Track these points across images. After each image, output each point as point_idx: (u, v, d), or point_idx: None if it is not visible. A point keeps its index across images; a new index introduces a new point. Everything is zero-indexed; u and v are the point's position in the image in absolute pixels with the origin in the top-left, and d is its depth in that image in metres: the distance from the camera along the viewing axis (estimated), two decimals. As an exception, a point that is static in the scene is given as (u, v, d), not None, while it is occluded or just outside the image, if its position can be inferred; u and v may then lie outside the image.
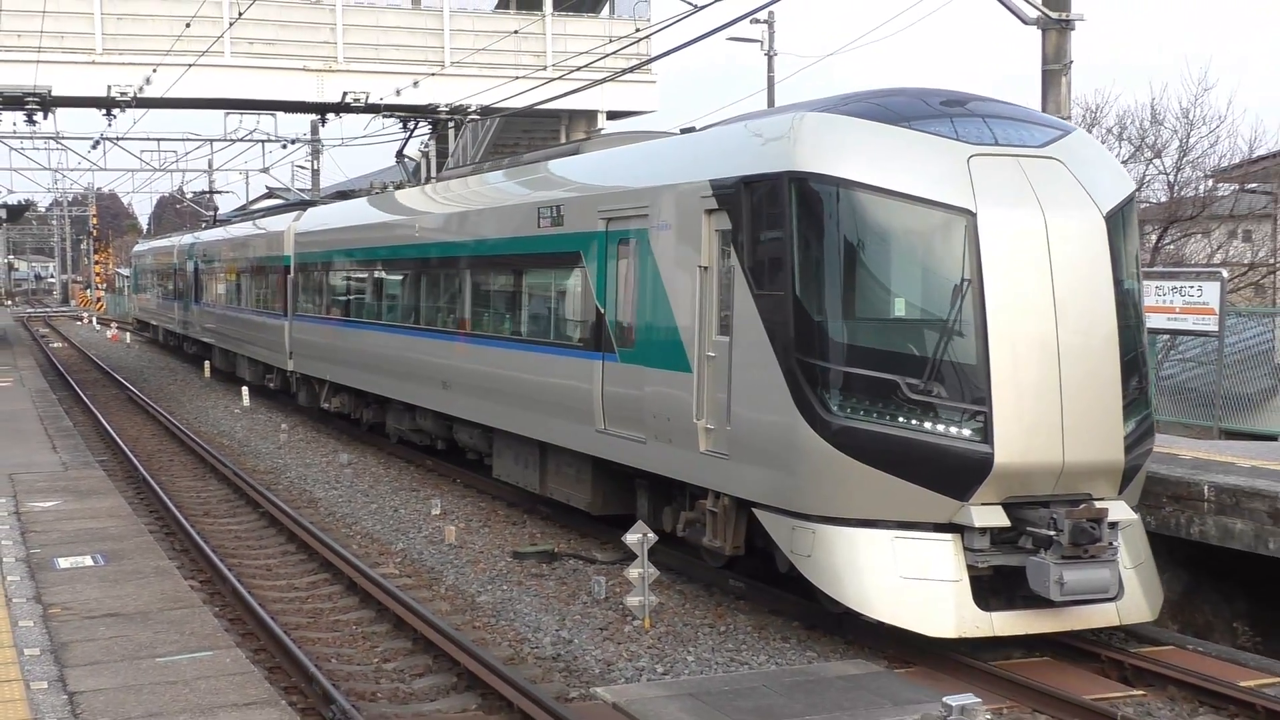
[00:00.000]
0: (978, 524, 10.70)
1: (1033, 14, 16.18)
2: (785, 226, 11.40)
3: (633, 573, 12.48)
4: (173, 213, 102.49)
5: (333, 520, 18.26)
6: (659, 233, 13.43)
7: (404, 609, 12.67)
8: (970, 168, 11.06)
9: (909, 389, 10.77)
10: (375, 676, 11.31)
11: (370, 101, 33.76)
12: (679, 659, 11.55)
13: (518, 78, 33.03)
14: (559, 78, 32.83)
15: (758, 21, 39.60)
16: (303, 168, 54.85)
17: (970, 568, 10.77)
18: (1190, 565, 13.34)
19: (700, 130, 14.48)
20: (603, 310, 14.56)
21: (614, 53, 32.59)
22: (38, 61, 32.80)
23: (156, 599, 10.48)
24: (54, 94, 31.50)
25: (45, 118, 33.17)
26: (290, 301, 28.79)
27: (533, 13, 38.57)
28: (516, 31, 36.48)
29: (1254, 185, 30.75)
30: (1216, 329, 16.69)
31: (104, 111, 35.33)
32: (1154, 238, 29.60)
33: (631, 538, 12.45)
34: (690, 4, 20.07)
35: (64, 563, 11.76)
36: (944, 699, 8.57)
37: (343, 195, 31.67)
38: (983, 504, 10.75)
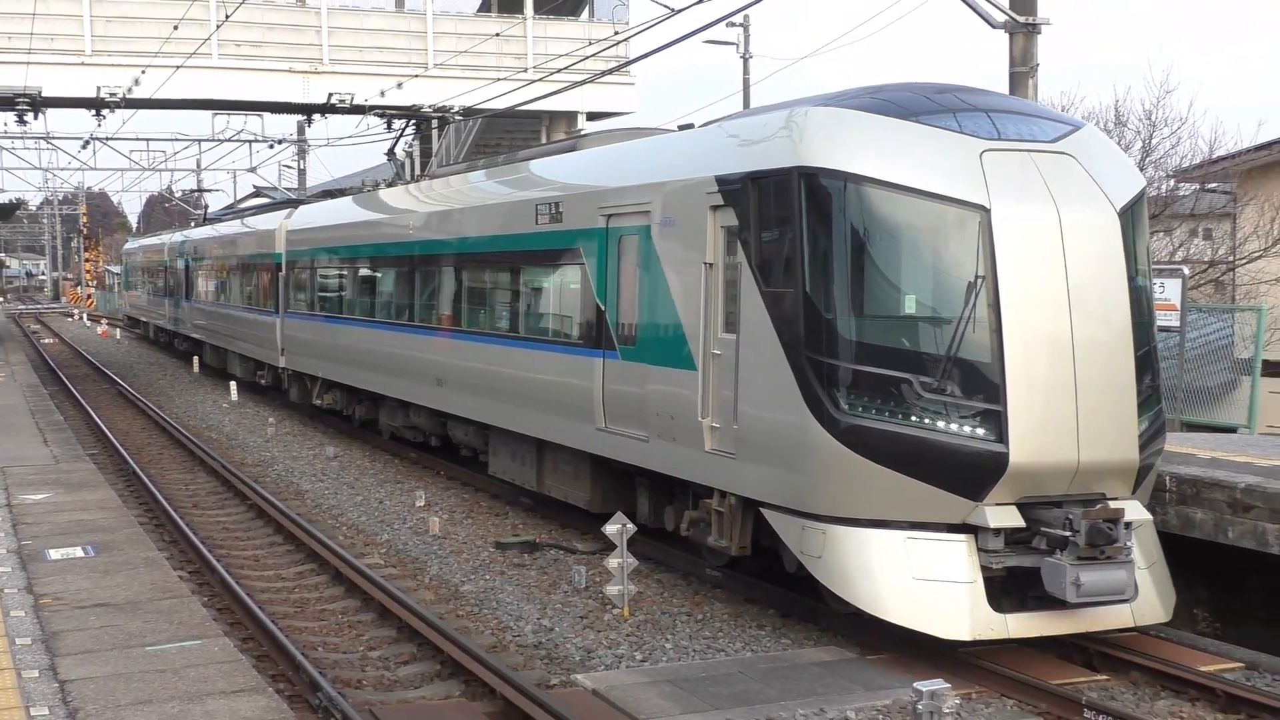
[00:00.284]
0: (993, 525, 10.31)
1: (1000, 18, 16.21)
2: (794, 222, 11.00)
3: (612, 562, 12.49)
4: (162, 211, 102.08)
5: (319, 512, 18.23)
6: (662, 229, 13.03)
7: (389, 598, 12.66)
8: (983, 163, 10.70)
9: (922, 387, 10.41)
10: (361, 664, 11.30)
11: (355, 102, 33.65)
12: (657, 646, 11.56)
13: (500, 79, 32.98)
14: (540, 79, 32.79)
15: (734, 25, 39.58)
16: (289, 167, 54.76)
17: (984, 569, 10.40)
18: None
19: (703, 126, 14.06)
20: (603, 307, 14.13)
21: (593, 55, 32.58)
22: (28, 63, 32.67)
23: (146, 589, 10.45)
24: (44, 95, 31.34)
25: (36, 118, 32.98)
26: (282, 299, 28.43)
27: (514, 16, 38.56)
28: (498, 34, 36.49)
29: (1214, 185, 30.88)
30: (1178, 324, 16.75)
31: (93, 112, 35.17)
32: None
33: (611, 528, 12.46)
34: (668, 8, 20.06)
35: (55, 554, 11.72)
36: (914, 685, 8.59)
37: (330, 194, 31.52)
38: (997, 504, 10.37)
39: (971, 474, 10.34)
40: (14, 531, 12.68)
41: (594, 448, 14.47)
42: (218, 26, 33.33)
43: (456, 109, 28.76)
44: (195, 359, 40.94)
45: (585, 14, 41.42)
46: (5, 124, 36.14)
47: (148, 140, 49.25)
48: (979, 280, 10.44)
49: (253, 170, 52.29)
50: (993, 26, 16.25)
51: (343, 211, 25.93)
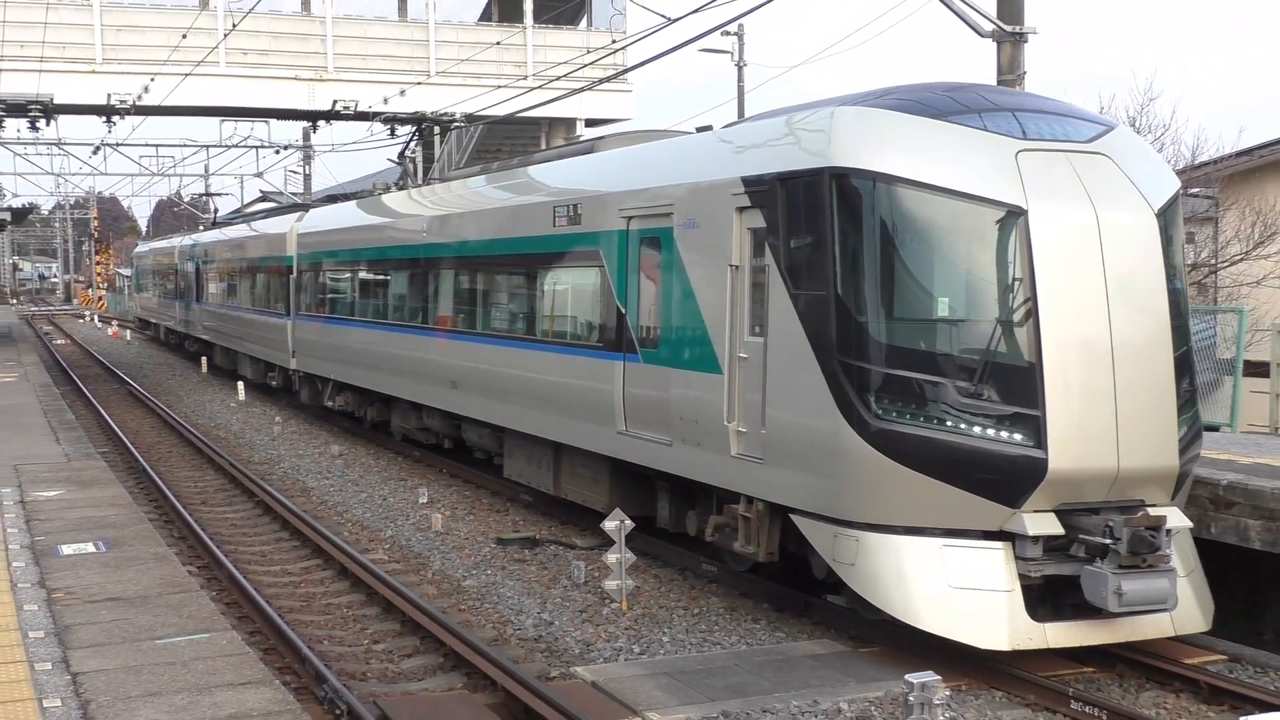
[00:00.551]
0: (1031, 532, 9.85)
1: (989, 27, 16.20)
2: (825, 224, 10.49)
3: (610, 558, 12.47)
4: (170, 215, 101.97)
5: (324, 508, 18.21)
6: (685, 231, 12.51)
7: (393, 593, 12.64)
8: (1019, 163, 10.21)
9: (958, 391, 9.96)
10: (366, 657, 11.29)
11: (359, 109, 33.69)
12: (655, 639, 11.55)
13: (500, 86, 33.03)
14: (539, 86, 32.80)
15: (728, 34, 39.63)
16: (295, 172, 54.82)
17: (1022, 577, 9.93)
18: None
19: (725, 128, 13.50)
20: (624, 310, 13.62)
21: (592, 63, 32.57)
22: (40, 71, 32.71)
23: (156, 584, 10.43)
24: (56, 102, 31.30)
25: (48, 124, 32.94)
26: (293, 301, 28.00)
27: (514, 25, 38.60)
28: (499, 43, 36.52)
29: (1196, 190, 30.90)
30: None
31: (104, 118, 35.16)
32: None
33: (609, 525, 12.44)
34: (664, 17, 20.06)
35: (67, 549, 11.70)
36: (906, 676, 8.58)
37: (335, 199, 31.44)
38: (1034, 511, 9.90)
39: (1009, 480, 9.88)
40: (27, 527, 12.66)
41: (614, 451, 13.94)
42: (225, 35, 33.35)
43: (458, 115, 28.74)
44: (204, 360, 40.89)
45: (584, 23, 41.47)
46: (18, 130, 36.09)
47: (157, 146, 49.31)
48: (1016, 283, 10.04)
49: (259, 175, 52.32)
50: (981, 35, 16.24)
51: (355, 215, 25.35)
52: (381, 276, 22.49)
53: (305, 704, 8.94)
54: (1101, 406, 9.91)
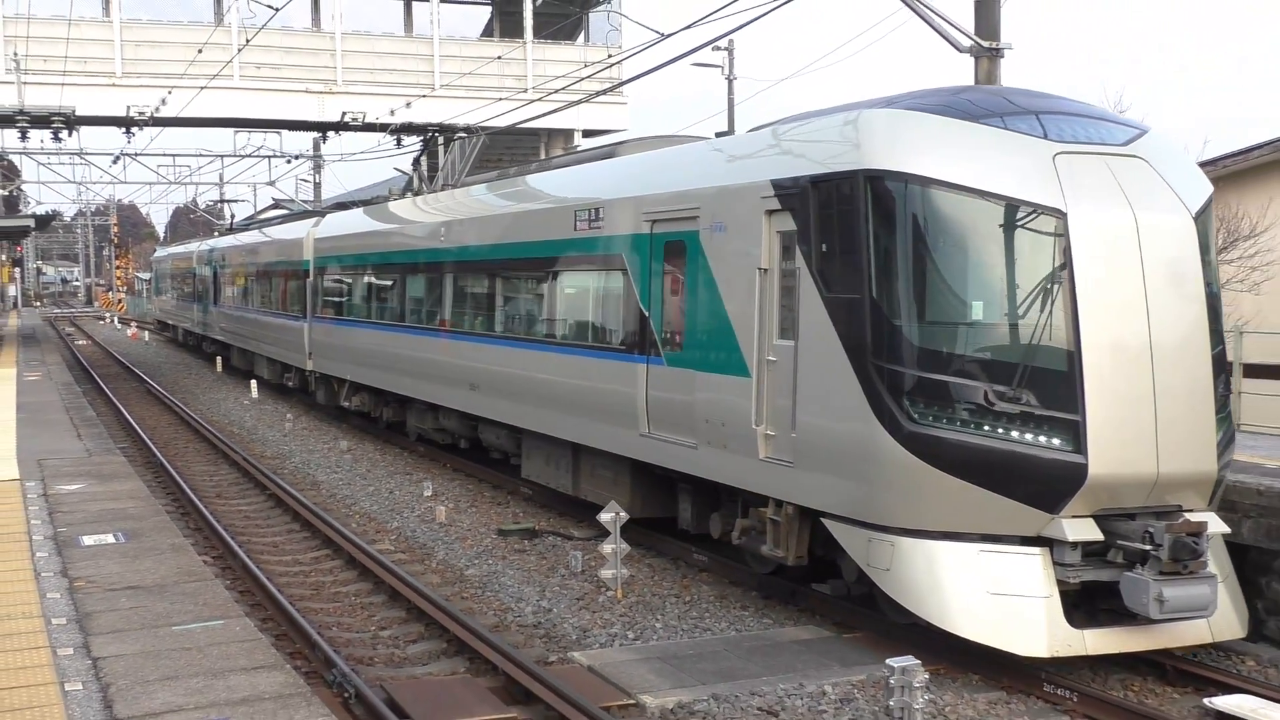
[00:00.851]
0: (1071, 538, 9.40)
1: (966, 43, 16.20)
2: (859, 227, 10.00)
3: (606, 548, 12.48)
4: (187, 222, 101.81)
5: (333, 501, 18.20)
6: (712, 235, 11.99)
7: (399, 581, 12.64)
8: (1056, 165, 9.74)
9: (996, 396, 9.47)
10: (373, 643, 11.28)
11: (367, 120, 33.71)
12: (648, 626, 11.55)
13: (501, 99, 33.00)
14: (538, 99, 32.77)
15: (719, 49, 39.58)
16: (305, 181, 54.76)
17: (1060, 583, 9.49)
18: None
19: (752, 131, 12.80)
20: (647, 313, 13.09)
21: (588, 76, 32.65)
22: (63, 84, 32.71)
23: (172, 573, 10.42)
24: (78, 114, 31.26)
25: (70, 135, 32.89)
26: (310, 304, 27.54)
27: (515, 40, 38.62)
28: (500, 57, 36.52)
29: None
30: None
31: (123, 130, 35.18)
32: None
33: (605, 516, 12.44)
34: (657, 32, 20.07)
35: (88, 540, 11.68)
36: (887, 661, 8.60)
37: (343, 206, 31.37)
38: (1073, 517, 9.46)
39: (1048, 486, 9.43)
40: (50, 519, 12.65)
41: (636, 453, 13.41)
42: (239, 50, 33.35)
43: (461, 126, 28.74)
44: (219, 359, 40.83)
45: (581, 38, 41.48)
46: (42, 141, 36.03)
47: (174, 156, 49.30)
48: (1055, 286, 9.56)
49: (272, 184, 52.21)
50: (959, 51, 16.24)
51: (372, 220, 24.75)
52: (400, 280, 21.78)
53: (315, 687, 8.94)
54: (1141, 410, 9.48)
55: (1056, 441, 9.41)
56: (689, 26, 18.31)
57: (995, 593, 9.44)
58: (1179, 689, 9.78)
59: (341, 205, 32.74)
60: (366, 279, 23.93)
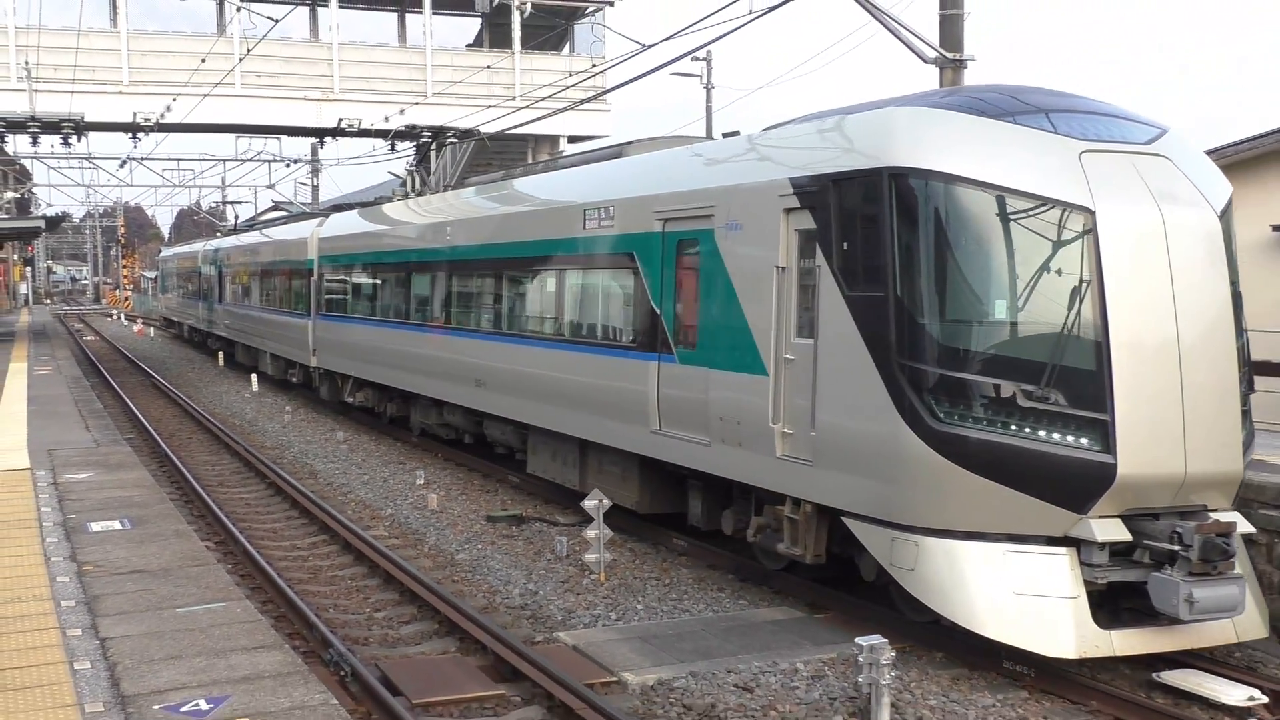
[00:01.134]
0: (1100, 538, 8.94)
1: (932, 54, 16.25)
2: (883, 225, 9.49)
3: (590, 533, 12.48)
4: (190, 223, 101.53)
5: (330, 489, 18.17)
6: (727, 233, 11.45)
7: (393, 566, 12.63)
8: (1083, 164, 9.26)
9: (1024, 395, 8.97)
10: (368, 624, 11.27)
11: (362, 126, 33.68)
12: (630, 607, 11.56)
13: (490, 106, 32.98)
14: (526, 106, 32.78)
15: (698, 59, 39.61)
16: (304, 184, 54.70)
17: (1087, 583, 9.03)
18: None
19: (767, 130, 12.12)
20: (659, 311, 12.56)
21: (573, 85, 32.64)
22: (72, 91, 32.60)
23: (176, 558, 10.39)
24: (86, 120, 31.19)
25: (79, 140, 32.83)
26: (314, 302, 27.01)
27: (503, 50, 38.58)
28: (489, 66, 36.52)
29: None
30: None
31: (130, 135, 35.06)
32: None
33: (589, 503, 12.44)
34: (639, 43, 20.09)
35: (95, 526, 11.64)
36: (856, 639, 8.62)
37: (340, 208, 31.24)
38: (1101, 517, 9.00)
39: (1076, 486, 8.95)
40: (60, 507, 12.60)
41: (647, 451, 12.87)
42: (240, 59, 33.27)
43: (452, 132, 28.70)
44: (220, 355, 40.66)
45: (566, 49, 41.48)
46: (52, 146, 35.93)
47: (178, 160, 49.43)
48: (1084, 284, 9.05)
49: (271, 187, 52.29)
50: (925, 62, 16.29)
51: (379, 220, 23.85)
52: (405, 278, 21.05)
53: (313, 666, 8.93)
54: (1169, 410, 9.01)
55: (1085, 441, 8.95)
56: (669, 38, 18.35)
57: (1022, 593, 8.97)
58: (1129, 663, 9.82)
59: (339, 207, 32.63)
60: (371, 278, 23.26)
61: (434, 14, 38.57)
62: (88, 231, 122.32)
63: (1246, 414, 9.66)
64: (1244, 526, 9.38)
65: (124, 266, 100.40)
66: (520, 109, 32.57)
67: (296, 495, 16.79)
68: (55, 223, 57.66)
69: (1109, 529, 9.00)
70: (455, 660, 9.94)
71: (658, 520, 13.89)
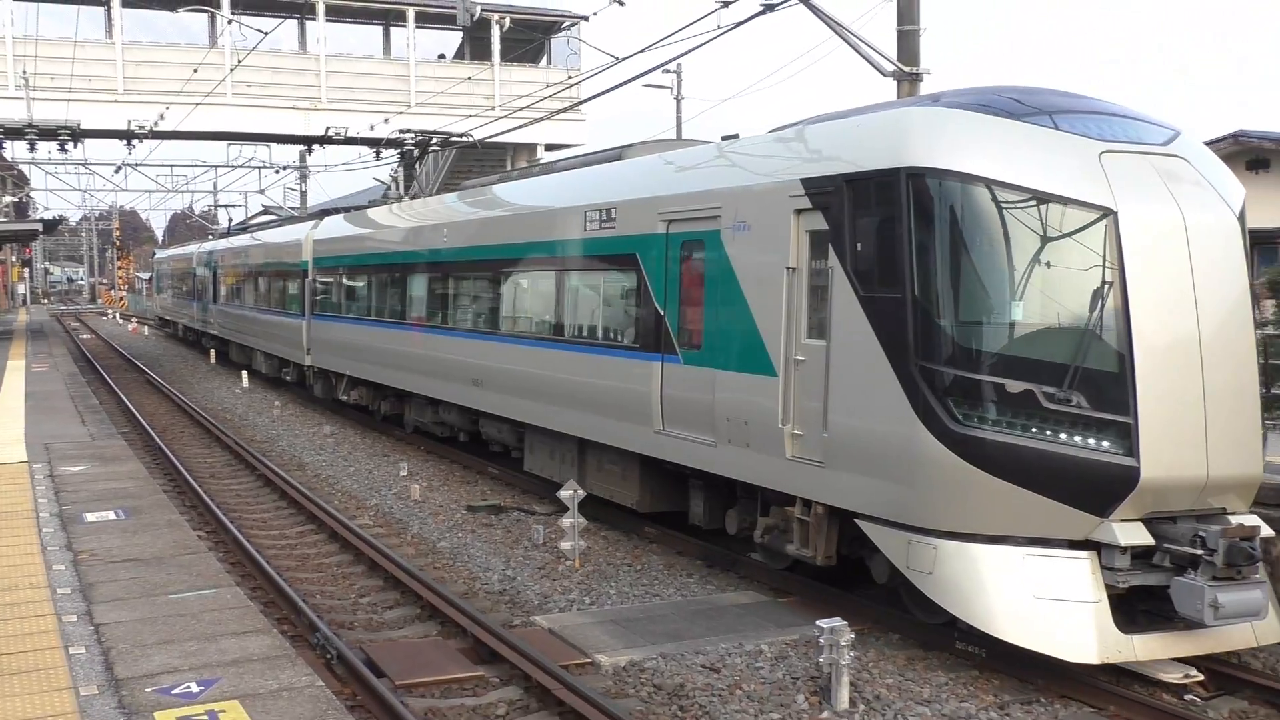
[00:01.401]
0: (1123, 542, 8.45)
1: (890, 68, 16.29)
2: (900, 225, 8.98)
3: (565, 522, 12.47)
4: (184, 226, 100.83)
5: (318, 481, 18.09)
6: (734, 234, 10.91)
7: (377, 553, 12.59)
8: (1103, 164, 8.78)
9: (1045, 397, 8.47)
10: (353, 609, 11.23)
11: (349, 134, 33.58)
12: (603, 592, 11.56)
13: (471, 115, 32.90)
14: (505, 116, 32.72)
15: (669, 72, 39.64)
16: (293, 189, 54.40)
17: (1108, 587, 8.53)
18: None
19: (773, 131, 11.53)
20: (662, 312, 12.02)
21: (550, 96, 32.60)
22: (69, 100, 32.40)
23: (169, 546, 10.33)
24: (82, 127, 30.96)
25: (75, 147, 32.60)
26: (308, 302, 26.40)
27: (484, 62, 38.52)
28: (470, 78, 36.44)
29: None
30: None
31: (125, 142, 34.82)
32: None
33: (564, 494, 12.43)
34: (613, 56, 20.10)
35: (91, 517, 11.56)
36: (817, 622, 8.64)
37: (327, 212, 31.07)
38: (1122, 520, 8.53)
39: (1098, 489, 8.47)
40: (56, 498, 12.51)
41: (650, 451, 12.32)
42: (231, 70, 33.12)
43: (435, 140, 28.64)
44: (212, 352, 40.40)
45: (544, 61, 41.45)
46: (49, 152, 35.64)
47: (171, 166, 49.23)
48: (1106, 286, 8.57)
49: (261, 192, 52.06)
50: (883, 75, 16.34)
51: (374, 222, 23.06)
52: (402, 279, 20.30)
53: (300, 650, 8.89)
54: (1191, 413, 8.54)
55: (1107, 444, 8.46)
56: (641, 51, 18.36)
57: (1043, 597, 8.48)
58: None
59: (327, 211, 32.45)
60: (368, 278, 22.49)
61: (417, 28, 38.52)
62: (84, 234, 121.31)
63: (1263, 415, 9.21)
64: (1266, 530, 8.92)
65: (119, 268, 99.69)
66: (499, 118, 32.50)
67: (285, 486, 16.70)
68: (52, 226, 57.23)
69: (1132, 533, 8.53)
70: (436, 643, 9.91)
71: (658, 519, 13.56)
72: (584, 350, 13.72)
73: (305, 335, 26.57)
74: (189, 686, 6.79)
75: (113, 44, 35.10)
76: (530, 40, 39.96)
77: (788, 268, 10.25)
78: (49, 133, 29.85)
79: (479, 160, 40.44)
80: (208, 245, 45.23)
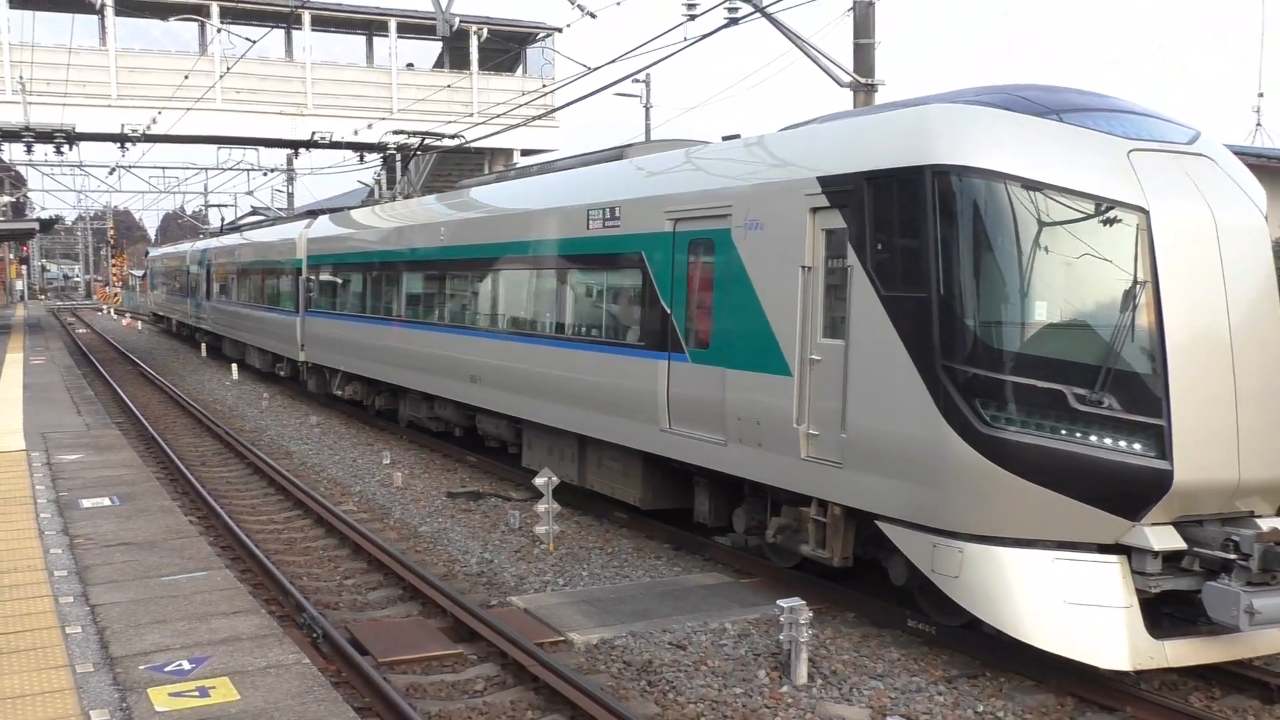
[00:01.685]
0: (1156, 546, 7.90)
1: (847, 79, 16.35)
2: (926, 224, 8.38)
3: (540, 508, 12.47)
4: (175, 226, 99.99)
5: (304, 468, 18.00)
6: (746, 233, 10.30)
7: (361, 538, 12.54)
8: (1132, 162, 8.24)
9: (1076, 399, 7.92)
10: (338, 590, 11.19)
11: (334, 139, 33.43)
12: (576, 574, 11.56)
13: (450, 122, 32.78)
14: (483, 122, 32.63)
15: (638, 81, 39.69)
16: (280, 191, 54.14)
17: (1139, 592, 7.98)
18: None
19: (784, 130, 10.97)
20: (669, 311, 11.41)
21: (526, 103, 32.55)
22: (64, 104, 32.10)
23: (162, 531, 10.27)
24: (78, 130, 30.68)
25: (71, 149, 32.28)
26: (302, 299, 25.74)
27: (462, 71, 38.41)
28: (449, 86, 36.33)
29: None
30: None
31: (118, 145, 34.57)
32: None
33: (539, 480, 12.42)
34: (585, 66, 20.09)
35: (86, 503, 11.48)
36: (778, 601, 8.68)
37: (314, 212, 30.87)
38: (1154, 524, 7.97)
39: (1131, 492, 7.91)
40: (53, 485, 12.40)
41: (657, 449, 11.69)
42: (220, 77, 32.88)
43: (416, 145, 28.51)
44: (203, 345, 40.07)
45: (520, 70, 41.37)
46: (45, 154, 35.32)
47: (163, 168, 48.75)
48: (1138, 285, 8.02)
49: (250, 194, 51.76)
50: (840, 85, 16.41)
51: (370, 221, 22.10)
52: (400, 277, 19.47)
53: (287, 629, 8.86)
54: (1224, 414, 8.00)
55: (1139, 446, 7.91)
56: (612, 61, 18.33)
57: (1072, 602, 7.94)
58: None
59: (313, 211, 32.24)
60: (364, 276, 21.57)
61: (399, 38, 38.38)
62: (79, 233, 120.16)
63: None
64: None
65: (113, 265, 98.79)
66: (477, 125, 32.40)
67: (273, 474, 16.61)
68: (49, 225, 56.63)
69: (1164, 537, 7.97)
70: (418, 622, 9.89)
71: (660, 516, 13.14)
72: (587, 348, 13.07)
73: (299, 331, 26.03)
74: (181, 664, 6.76)
75: (107, 51, 34.78)
76: (507, 50, 39.86)
77: (803, 266, 9.66)
78: (45, 136, 29.57)
79: (458, 164, 40.33)
80: (201, 244, 44.71)
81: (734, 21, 16.56)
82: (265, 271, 29.87)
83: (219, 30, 34.59)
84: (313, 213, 31.56)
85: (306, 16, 36.84)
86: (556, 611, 10.07)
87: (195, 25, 37.97)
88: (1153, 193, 8.15)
